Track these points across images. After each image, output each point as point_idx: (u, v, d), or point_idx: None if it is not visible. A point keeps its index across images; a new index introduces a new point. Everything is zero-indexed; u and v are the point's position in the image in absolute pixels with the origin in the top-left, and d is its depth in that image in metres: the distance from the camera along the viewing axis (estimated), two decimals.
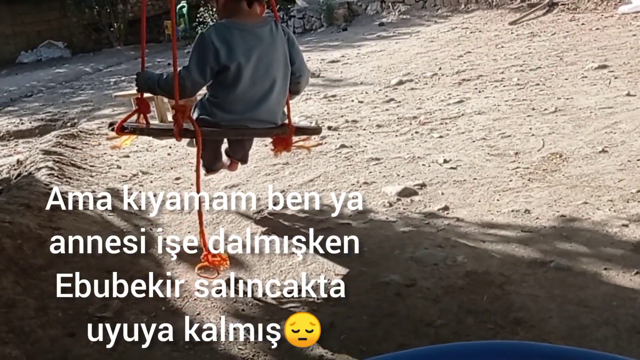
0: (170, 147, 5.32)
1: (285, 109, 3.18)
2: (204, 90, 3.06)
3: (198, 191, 2.91)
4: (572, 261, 2.54)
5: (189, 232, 3.44)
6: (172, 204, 3.91)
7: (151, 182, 4.47)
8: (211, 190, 4.11)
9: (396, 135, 4.89)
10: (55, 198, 3.73)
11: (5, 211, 3.34)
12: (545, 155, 3.85)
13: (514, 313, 2.24)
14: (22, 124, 7.69)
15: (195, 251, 3.16)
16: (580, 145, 3.94)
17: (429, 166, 4.00)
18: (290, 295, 2.63)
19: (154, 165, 4.92)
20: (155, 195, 4.11)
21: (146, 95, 3.04)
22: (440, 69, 7.30)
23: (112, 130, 2.90)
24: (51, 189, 3.90)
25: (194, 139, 3.06)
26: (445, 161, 4.02)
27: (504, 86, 5.95)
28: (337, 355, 2.16)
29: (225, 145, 3.44)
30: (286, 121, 3.19)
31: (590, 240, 2.71)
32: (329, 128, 5.34)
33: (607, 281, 2.40)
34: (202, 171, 3.61)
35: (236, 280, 2.81)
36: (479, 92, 5.90)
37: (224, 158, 3.50)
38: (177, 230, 3.48)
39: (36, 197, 3.65)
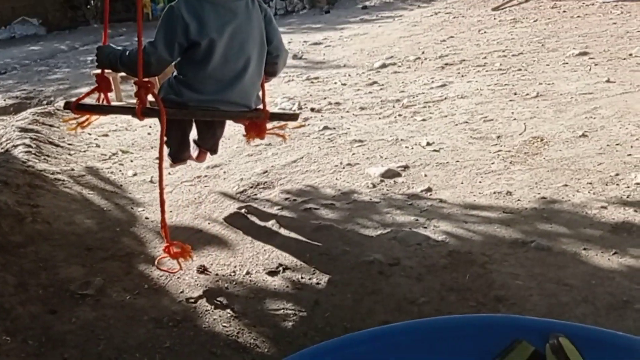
0: (150, 127, 5.25)
1: (260, 93, 2.92)
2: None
3: (161, 180, 2.63)
4: (552, 241, 2.58)
5: (171, 211, 3.40)
6: (152, 182, 3.89)
7: (131, 161, 4.42)
8: (193, 169, 4.08)
9: (379, 118, 4.89)
10: (35, 175, 3.69)
11: None
12: (527, 139, 3.89)
13: (495, 291, 2.27)
14: None
15: (177, 230, 3.16)
16: (561, 130, 3.98)
17: (412, 148, 4.02)
18: (273, 274, 2.62)
19: (134, 144, 4.87)
20: (135, 175, 4.10)
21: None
22: (423, 53, 7.30)
23: (68, 109, 2.61)
24: (29, 166, 3.85)
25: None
26: (428, 144, 4.04)
27: (487, 71, 5.98)
28: (322, 331, 2.17)
29: (193, 135, 3.13)
30: (260, 106, 2.95)
31: (570, 221, 2.76)
32: (312, 110, 5.32)
33: (586, 261, 2.45)
34: (167, 161, 3.24)
35: (220, 259, 2.80)
36: (462, 76, 5.93)
37: (192, 147, 3.20)
38: (158, 209, 3.42)
39: (14, 174, 3.58)
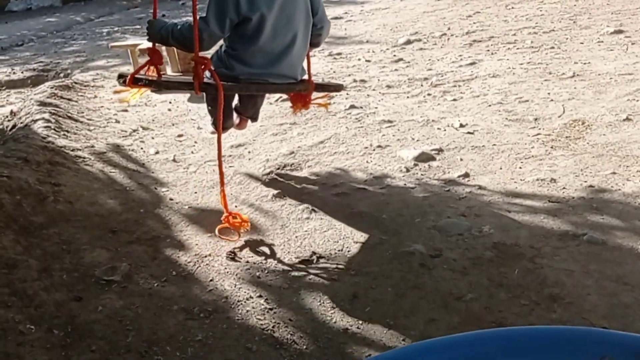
0: (170, 103, 5.11)
1: (305, 64, 3.03)
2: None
3: (219, 149, 2.76)
4: (605, 235, 2.43)
5: (195, 193, 3.28)
6: (175, 162, 3.76)
7: (152, 138, 4.28)
8: (216, 149, 3.94)
9: (407, 97, 4.71)
10: (55, 152, 3.57)
11: (2, 165, 3.15)
12: (567, 122, 3.70)
13: (549, 288, 2.13)
14: (14, 73, 7.36)
15: (203, 213, 3.04)
16: (602, 113, 3.79)
17: (445, 130, 3.85)
18: (307, 263, 2.50)
19: (154, 120, 4.72)
20: (157, 153, 3.97)
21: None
22: (449, 29, 7.05)
23: (123, 82, 2.68)
24: (49, 142, 3.73)
25: (205, 94, 2.87)
26: (461, 125, 3.87)
27: (517, 49, 5.75)
28: (363, 327, 2.05)
29: (234, 102, 3.26)
30: (305, 77, 3.04)
31: (623, 212, 2.60)
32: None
33: None
34: (211, 129, 3.50)
35: (250, 245, 2.67)
36: (492, 54, 5.70)
37: (234, 116, 3.33)
38: (183, 190, 3.32)
39: (34, 150, 3.46)
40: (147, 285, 2.38)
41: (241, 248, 2.66)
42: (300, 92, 3.10)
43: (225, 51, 2.78)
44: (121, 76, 2.68)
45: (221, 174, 2.72)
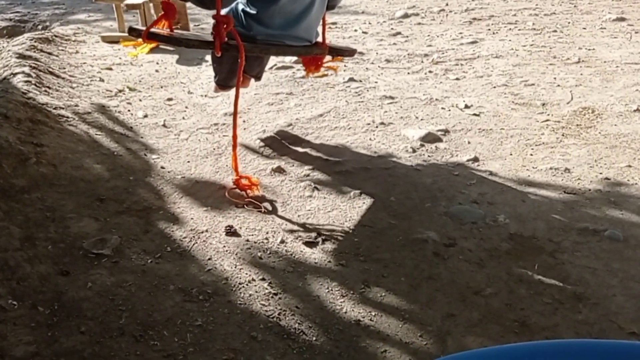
0: (157, 64, 4.85)
1: (320, 27, 2.96)
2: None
3: (235, 110, 2.67)
4: (626, 231, 2.33)
5: (188, 162, 3.09)
6: (165, 127, 3.54)
7: (140, 100, 4.03)
8: (209, 116, 3.73)
9: (408, 73, 4.54)
10: (37, 109, 3.32)
11: None
12: (576, 109, 3.59)
13: (572, 287, 2.02)
14: None
15: (198, 184, 2.85)
16: (612, 102, 3.68)
17: (449, 110, 3.70)
18: (312, 245, 2.35)
19: (141, 81, 4.46)
20: (145, 116, 3.74)
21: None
22: (447, 4, 6.87)
23: (136, 35, 2.52)
24: (30, 98, 3.46)
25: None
26: (466, 106, 3.72)
27: (519, 30, 5.60)
28: (377, 319, 1.91)
29: None
30: (320, 39, 2.97)
31: None
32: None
33: None
34: (214, 85, 3.40)
35: (249, 222, 2.51)
36: (493, 33, 5.55)
37: None
38: (175, 158, 3.12)
39: (14, 106, 3.20)
40: (140, 262, 2.20)
41: (240, 225, 2.49)
42: (315, 56, 3.02)
43: (243, 9, 2.67)
44: (133, 30, 2.50)
45: (234, 136, 2.66)
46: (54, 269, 2.10)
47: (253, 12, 2.62)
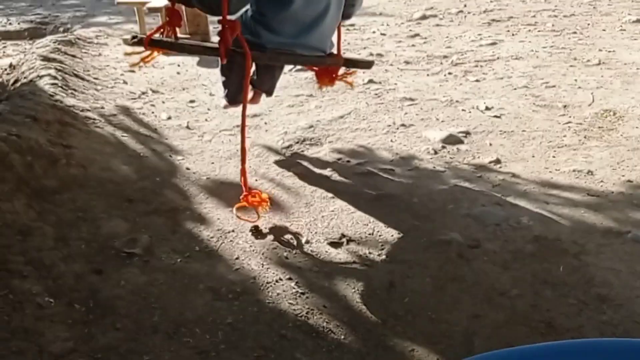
0: (178, 66, 4.92)
1: (335, 36, 2.77)
2: None
3: (243, 123, 2.51)
4: None
5: (213, 163, 3.14)
6: (189, 129, 3.60)
7: (163, 102, 4.10)
8: (231, 117, 3.78)
9: (427, 75, 4.56)
10: (64, 112, 3.40)
11: (9, 122, 2.97)
12: (598, 111, 3.59)
13: (596, 288, 2.04)
14: (10, 24, 7.06)
15: (223, 185, 2.90)
16: (633, 104, 3.68)
17: (470, 112, 3.72)
18: (336, 245, 2.39)
19: (164, 84, 4.53)
20: (169, 118, 3.80)
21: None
22: (465, 6, 6.87)
23: (135, 43, 2.43)
24: (57, 100, 3.54)
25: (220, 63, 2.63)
26: (487, 108, 3.74)
27: (539, 31, 5.60)
28: (403, 319, 1.95)
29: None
30: (334, 50, 2.78)
31: None
32: None
33: None
34: (223, 102, 3.21)
35: (275, 223, 2.55)
36: (512, 35, 5.54)
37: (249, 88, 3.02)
38: (199, 159, 3.17)
39: (42, 108, 3.28)
40: (170, 261, 2.26)
41: (265, 225, 2.54)
42: (329, 67, 2.84)
43: (252, 16, 2.50)
44: (135, 37, 2.43)
45: (243, 150, 2.50)
46: (88, 267, 2.16)
47: (262, 18, 2.46)
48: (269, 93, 3.14)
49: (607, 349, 1.14)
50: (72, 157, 2.91)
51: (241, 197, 2.49)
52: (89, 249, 2.27)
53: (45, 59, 4.43)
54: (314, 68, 2.96)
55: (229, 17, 2.32)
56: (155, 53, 2.52)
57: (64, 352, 1.79)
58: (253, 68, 2.89)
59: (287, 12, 2.42)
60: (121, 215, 2.54)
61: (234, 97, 2.93)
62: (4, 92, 4.02)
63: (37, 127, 3.05)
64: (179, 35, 3.51)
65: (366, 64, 3.14)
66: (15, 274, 2.05)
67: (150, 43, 2.38)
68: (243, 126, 2.51)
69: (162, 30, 2.47)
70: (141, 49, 2.42)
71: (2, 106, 3.27)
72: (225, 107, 3.27)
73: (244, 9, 2.54)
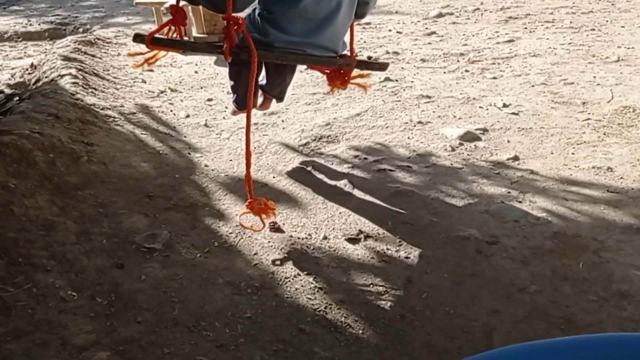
0: (196, 65, 4.95)
1: (348, 37, 2.62)
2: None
3: (248, 127, 2.34)
4: None
5: (231, 160, 3.16)
6: (207, 127, 3.63)
7: (181, 101, 4.14)
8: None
9: (444, 73, 4.55)
10: (85, 110, 3.45)
11: (32, 120, 3.03)
12: (617, 108, 3.56)
13: (617, 284, 2.03)
14: (30, 25, 7.17)
15: (240, 182, 2.92)
16: None
17: (487, 109, 3.70)
18: (354, 241, 2.40)
19: (182, 82, 4.57)
20: (187, 116, 3.84)
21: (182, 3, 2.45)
22: (482, 3, 6.83)
23: (139, 42, 2.32)
24: (78, 99, 3.60)
25: (229, 65, 2.49)
26: (504, 105, 3.72)
27: (557, 28, 5.55)
28: (421, 314, 1.95)
29: (260, 78, 2.81)
30: (347, 51, 2.63)
31: None
32: (369, 58, 4.97)
33: None
34: (232, 107, 3.07)
35: (293, 219, 2.57)
36: (530, 32, 5.51)
37: (258, 93, 2.91)
38: (217, 157, 3.20)
39: (64, 107, 3.33)
40: (189, 256, 2.28)
41: (283, 221, 2.56)
42: (341, 69, 2.65)
43: (259, 14, 2.36)
44: (138, 36, 2.31)
45: (248, 154, 2.33)
46: (110, 262, 2.20)
47: (270, 15, 2.31)
48: (280, 98, 3.01)
49: (630, 343, 1.14)
50: (93, 154, 2.95)
51: (246, 203, 2.40)
52: (110, 244, 2.30)
53: (66, 58, 4.49)
54: (326, 70, 2.79)
55: (235, 14, 2.22)
56: (160, 54, 2.43)
57: (86, 345, 1.82)
58: (263, 72, 2.80)
59: (296, 9, 2.29)
60: (141, 210, 2.57)
61: (243, 101, 2.74)
62: (26, 91, 4.09)
63: (59, 125, 3.10)
64: (194, 34, 3.42)
65: (381, 66, 2.97)
66: (39, 268, 2.09)
67: (152, 42, 2.29)
68: (248, 129, 2.35)
69: (167, 29, 2.37)
70: (145, 50, 2.34)
71: (25, 105, 3.33)
72: (233, 113, 3.14)
73: (251, 6, 2.44)
